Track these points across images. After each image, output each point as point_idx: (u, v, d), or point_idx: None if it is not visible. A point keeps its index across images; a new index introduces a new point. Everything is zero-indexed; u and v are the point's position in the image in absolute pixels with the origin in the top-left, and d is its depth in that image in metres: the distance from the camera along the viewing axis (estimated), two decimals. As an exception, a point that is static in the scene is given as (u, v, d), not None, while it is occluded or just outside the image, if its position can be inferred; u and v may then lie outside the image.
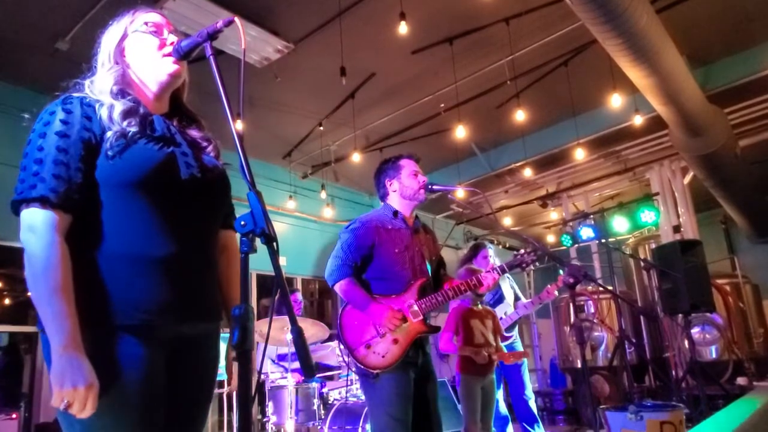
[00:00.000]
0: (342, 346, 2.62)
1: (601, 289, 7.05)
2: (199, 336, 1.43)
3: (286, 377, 4.54)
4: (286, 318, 4.59)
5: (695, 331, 6.39)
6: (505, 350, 3.80)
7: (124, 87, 1.42)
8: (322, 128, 6.76)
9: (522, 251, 2.97)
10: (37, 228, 1.23)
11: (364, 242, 2.65)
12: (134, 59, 1.46)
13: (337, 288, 2.64)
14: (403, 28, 4.46)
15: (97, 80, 1.43)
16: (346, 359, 2.87)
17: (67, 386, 1.13)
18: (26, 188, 1.25)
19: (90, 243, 1.29)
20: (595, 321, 6.86)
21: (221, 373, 1.62)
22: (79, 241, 1.28)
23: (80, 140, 1.30)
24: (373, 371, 2.48)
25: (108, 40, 1.48)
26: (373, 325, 2.55)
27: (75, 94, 1.38)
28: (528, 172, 7.67)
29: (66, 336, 1.17)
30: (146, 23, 1.47)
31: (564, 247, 7.71)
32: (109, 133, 1.32)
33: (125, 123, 1.34)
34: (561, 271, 3.48)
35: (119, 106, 1.36)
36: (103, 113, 1.35)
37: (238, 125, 1.26)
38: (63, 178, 1.26)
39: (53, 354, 1.16)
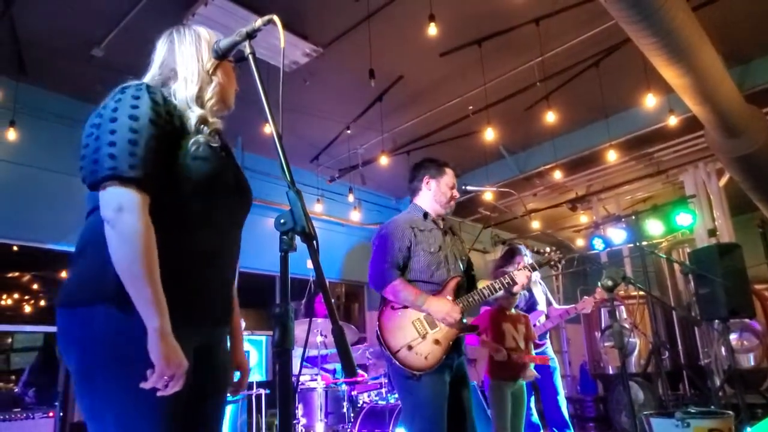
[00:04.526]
0: (384, 350, 2.56)
1: (632, 293, 6.91)
2: (220, 336, 1.52)
3: (315, 379, 4.55)
4: (314, 320, 4.60)
5: (733, 338, 6.19)
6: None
7: (217, 103, 1.51)
8: (349, 132, 6.77)
9: (548, 249, 2.94)
10: (132, 209, 1.24)
11: (403, 243, 2.62)
12: (223, 83, 1.56)
13: (388, 291, 2.57)
14: (432, 30, 4.43)
15: (188, 88, 1.46)
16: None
17: (175, 363, 1.20)
18: (123, 166, 1.25)
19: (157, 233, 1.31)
20: (628, 326, 6.71)
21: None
22: None
23: (164, 132, 1.35)
24: (416, 373, 2.44)
25: (202, 53, 1.53)
26: (418, 324, 2.52)
27: (152, 87, 1.41)
28: (558, 175, 7.55)
29: (166, 319, 1.22)
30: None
31: (595, 251, 7.57)
32: (200, 137, 1.39)
33: (212, 137, 1.43)
34: (600, 283, 3.40)
35: (211, 123, 1.44)
36: (190, 119, 1.41)
37: (275, 126, 1.27)
38: (155, 164, 1.30)
39: (156, 335, 1.19)
